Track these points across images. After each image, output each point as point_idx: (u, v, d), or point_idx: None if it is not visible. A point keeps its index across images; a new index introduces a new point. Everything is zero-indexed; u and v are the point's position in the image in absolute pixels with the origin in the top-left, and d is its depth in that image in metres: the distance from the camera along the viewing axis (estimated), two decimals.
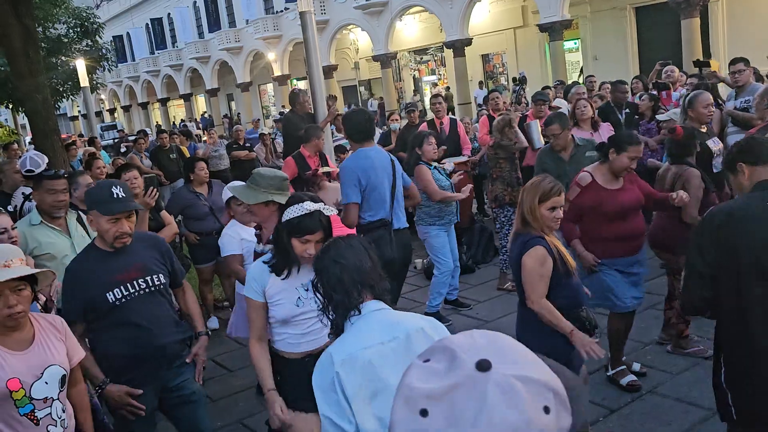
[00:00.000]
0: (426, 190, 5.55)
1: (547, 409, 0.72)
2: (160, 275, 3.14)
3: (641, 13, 22.51)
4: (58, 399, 2.52)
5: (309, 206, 2.78)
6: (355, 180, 4.53)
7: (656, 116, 7.25)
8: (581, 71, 23.00)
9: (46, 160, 5.82)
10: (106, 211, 2.95)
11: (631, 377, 4.36)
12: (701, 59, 8.75)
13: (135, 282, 3.04)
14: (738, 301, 2.57)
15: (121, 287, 3.00)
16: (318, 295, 2.17)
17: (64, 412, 2.55)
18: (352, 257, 2.13)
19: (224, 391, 5.17)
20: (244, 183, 3.63)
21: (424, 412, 0.72)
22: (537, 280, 3.16)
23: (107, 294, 2.97)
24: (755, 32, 18.61)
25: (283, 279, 2.85)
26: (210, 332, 6.29)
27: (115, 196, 2.98)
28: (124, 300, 3.00)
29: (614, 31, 22.84)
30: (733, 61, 6.91)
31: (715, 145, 5.40)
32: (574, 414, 0.76)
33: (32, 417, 2.43)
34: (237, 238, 4.63)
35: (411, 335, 2.00)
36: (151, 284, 3.09)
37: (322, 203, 2.86)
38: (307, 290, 2.86)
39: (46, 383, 2.47)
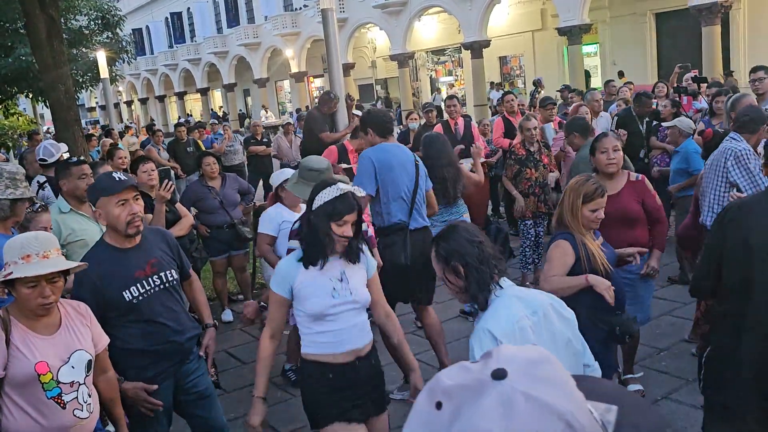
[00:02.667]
0: None
1: (559, 415, 0.69)
2: (173, 271, 3.13)
3: (661, 19, 22.37)
4: (84, 383, 2.55)
5: (343, 186, 2.76)
6: (371, 170, 4.39)
7: (662, 124, 7.19)
8: (587, 75, 22.88)
9: (63, 148, 5.88)
10: (113, 191, 2.88)
11: (639, 387, 4.34)
12: (679, 85, 8.70)
13: (150, 279, 3.01)
14: (746, 290, 2.59)
15: (137, 285, 2.96)
16: (448, 278, 2.24)
17: (89, 396, 2.58)
18: (482, 236, 2.26)
19: (238, 383, 5.21)
20: (293, 173, 3.79)
21: (438, 405, 0.74)
22: (553, 265, 3.22)
23: (124, 293, 2.93)
24: None
25: (320, 270, 2.78)
26: (222, 324, 6.39)
27: (117, 179, 2.95)
28: (141, 298, 2.96)
29: (634, 37, 22.71)
30: (754, 69, 6.87)
31: None
32: None
33: (59, 400, 2.46)
34: (277, 219, 4.66)
35: (546, 309, 2.15)
36: (165, 280, 3.06)
37: (352, 185, 2.86)
38: (341, 281, 2.82)
39: (73, 367, 2.51)
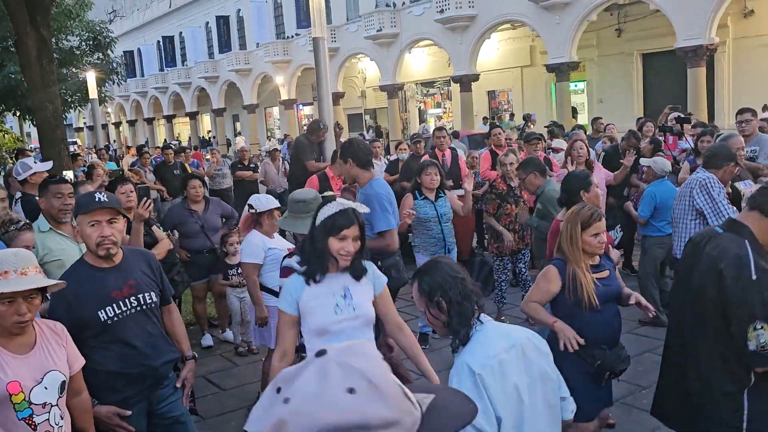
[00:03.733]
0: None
1: (351, 390, 0.87)
2: (152, 293, 3.08)
3: (648, 60, 22.79)
4: (56, 405, 2.48)
5: (343, 202, 2.86)
6: (387, 205, 4.47)
7: (639, 161, 7.27)
8: (574, 111, 23.23)
9: (46, 166, 5.79)
10: (86, 209, 2.89)
11: None
12: (665, 124, 8.86)
13: (127, 300, 2.96)
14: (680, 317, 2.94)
15: (114, 305, 2.92)
16: (431, 312, 2.26)
17: (62, 419, 2.51)
18: (463, 271, 2.30)
19: (215, 410, 5.11)
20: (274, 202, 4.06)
21: (278, 390, 0.90)
22: (536, 291, 3.32)
23: (99, 312, 2.88)
24: (760, 84, 18.84)
25: (319, 284, 2.84)
26: (201, 349, 6.30)
27: (96, 199, 2.94)
28: (116, 318, 2.92)
29: (620, 76, 23.10)
30: (740, 111, 6.98)
31: (746, 187, 5.42)
32: (401, 413, 0.89)
33: (30, 422, 2.39)
34: (261, 246, 4.65)
35: (524, 343, 2.18)
36: (143, 302, 3.02)
37: (354, 203, 2.93)
38: (344, 297, 2.87)
39: (46, 388, 2.44)
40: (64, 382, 2.53)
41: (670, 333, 3.09)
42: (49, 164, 5.85)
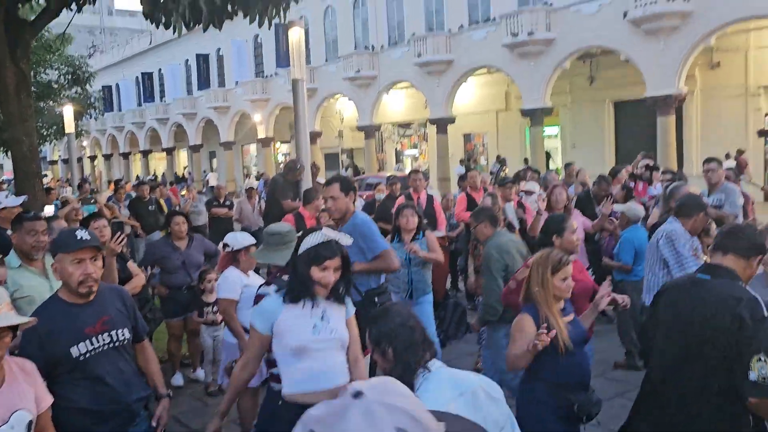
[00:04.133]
0: None
1: (400, 430, 0.91)
2: (125, 330, 3.06)
3: (619, 107, 23.38)
4: None
5: (327, 232, 2.94)
6: (378, 230, 4.55)
7: (613, 207, 7.42)
8: (548, 156, 23.71)
9: (17, 201, 5.72)
10: (69, 248, 2.88)
11: None
12: (635, 172, 9.18)
13: (100, 336, 2.94)
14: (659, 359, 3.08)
15: (87, 342, 2.90)
16: (378, 358, 2.29)
17: None
18: (414, 320, 2.32)
19: None
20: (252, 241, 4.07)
21: None
22: (515, 344, 3.26)
23: (71, 348, 2.86)
24: (726, 133, 19.45)
25: (297, 305, 2.90)
26: (171, 387, 6.19)
27: (78, 237, 2.93)
28: (88, 355, 2.90)
29: (593, 122, 23.64)
30: (707, 161, 7.20)
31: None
32: None
33: None
34: (239, 283, 4.68)
35: (476, 391, 2.14)
36: (115, 339, 3.00)
37: (338, 234, 3.00)
38: (322, 319, 2.93)
39: (12, 428, 2.39)
40: (31, 421, 2.48)
41: (655, 383, 3.12)
42: (20, 200, 5.79)
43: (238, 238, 4.94)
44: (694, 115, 20.87)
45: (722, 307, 2.81)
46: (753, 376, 2.65)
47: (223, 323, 5.98)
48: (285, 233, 3.82)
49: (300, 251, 2.91)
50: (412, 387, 2.18)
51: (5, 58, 7.20)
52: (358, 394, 0.94)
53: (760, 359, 2.65)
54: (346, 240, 2.98)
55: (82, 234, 2.96)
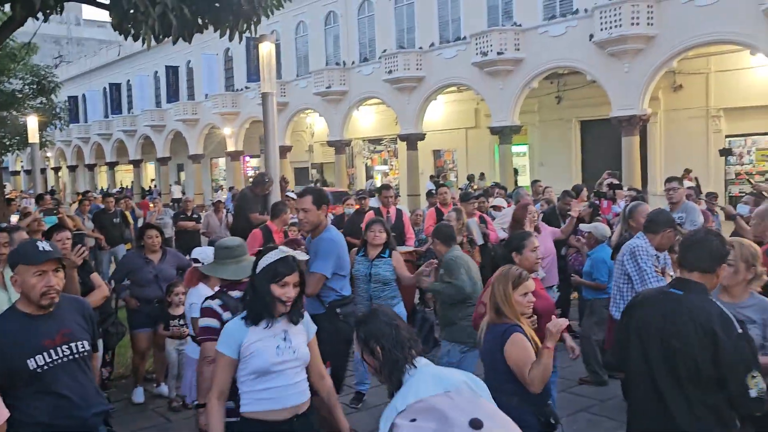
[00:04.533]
0: None
1: None
2: (85, 342, 3.02)
3: (586, 126, 23.80)
4: None
5: (284, 249, 3.00)
6: (336, 255, 4.56)
7: (580, 226, 7.55)
8: (516, 173, 24.01)
9: None
10: (33, 260, 2.85)
11: None
12: (599, 190, 9.41)
13: (59, 348, 2.90)
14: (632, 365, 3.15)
15: (44, 354, 2.84)
16: (367, 358, 2.33)
17: None
18: (399, 320, 2.38)
19: None
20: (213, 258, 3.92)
21: None
22: (526, 364, 3.27)
23: (28, 360, 2.80)
24: (688, 152, 19.94)
25: (260, 327, 2.92)
26: (132, 405, 6.05)
27: (41, 249, 2.91)
28: (46, 367, 2.84)
29: (560, 141, 24.01)
30: (668, 180, 7.36)
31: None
32: None
33: None
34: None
35: (460, 388, 2.13)
36: (75, 351, 2.96)
37: (295, 251, 3.05)
38: (284, 339, 2.97)
39: None
40: None
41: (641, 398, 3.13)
42: None
43: (208, 254, 4.90)
44: (658, 135, 21.35)
45: (699, 325, 2.86)
46: (753, 393, 2.77)
47: (189, 338, 5.91)
48: (234, 247, 3.84)
49: (258, 270, 2.96)
50: (400, 384, 2.24)
51: None
52: (477, 425, 0.92)
53: (753, 376, 2.77)
54: (302, 256, 3.05)
55: (44, 246, 2.93)
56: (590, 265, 6.62)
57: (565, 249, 7.91)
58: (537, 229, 6.86)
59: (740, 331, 2.84)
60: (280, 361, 2.92)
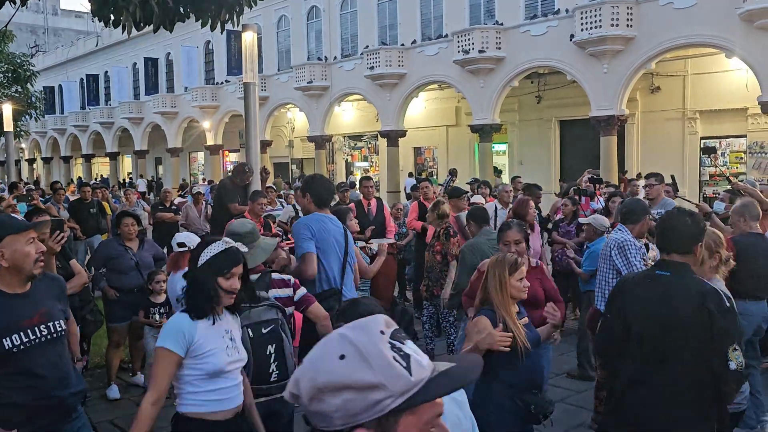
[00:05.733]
0: None
1: (342, 357, 1.05)
2: (61, 321, 2.99)
3: (564, 126, 24.00)
4: None
5: (227, 240, 2.91)
6: (308, 232, 4.46)
7: (578, 219, 7.63)
8: (497, 171, 24.09)
9: None
10: (23, 227, 2.84)
11: None
12: (595, 176, 9.51)
13: (37, 328, 2.86)
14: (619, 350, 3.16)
15: (21, 333, 2.80)
16: None
17: None
18: (381, 310, 2.29)
19: None
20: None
21: (342, 357, 1.05)
22: (468, 341, 3.30)
23: (4, 339, 2.76)
24: (664, 152, 20.19)
25: (212, 326, 2.81)
26: (109, 402, 5.94)
27: (19, 218, 2.99)
28: (22, 347, 2.80)
29: (539, 139, 24.18)
30: (647, 176, 7.46)
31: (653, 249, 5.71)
32: (386, 378, 1.03)
33: None
34: None
35: None
36: (52, 330, 2.92)
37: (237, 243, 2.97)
38: (231, 339, 2.87)
39: None
40: None
41: (632, 382, 3.10)
42: None
43: (194, 239, 4.86)
44: (635, 135, 21.60)
45: (690, 303, 2.91)
46: (733, 365, 2.81)
47: None
48: (245, 234, 3.67)
49: (200, 262, 2.82)
50: None
51: None
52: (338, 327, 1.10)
53: (735, 349, 2.82)
54: (243, 248, 2.97)
55: (20, 216, 2.92)
56: (589, 257, 6.58)
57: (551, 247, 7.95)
58: (531, 227, 6.90)
59: (728, 305, 2.91)
60: (230, 361, 2.83)
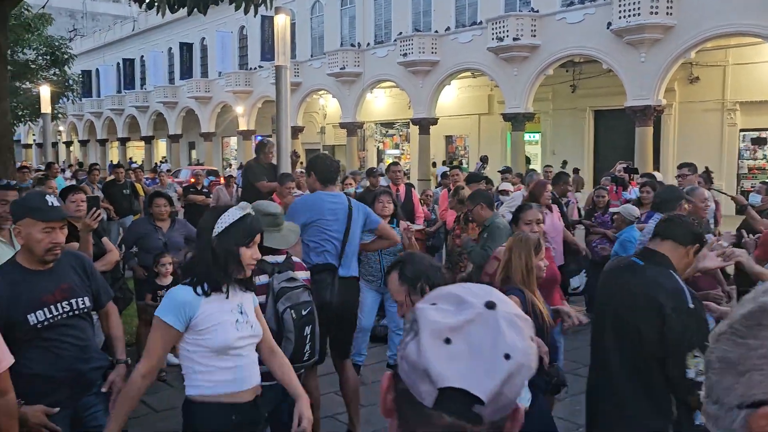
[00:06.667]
0: None
1: (532, 338, 0.96)
2: (85, 299, 3.01)
3: (599, 116, 23.62)
4: None
5: (245, 206, 2.67)
6: (300, 208, 4.52)
7: (609, 209, 7.52)
8: (527, 161, 23.75)
9: None
10: (43, 217, 2.80)
11: None
12: (631, 166, 9.35)
13: (59, 304, 2.89)
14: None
15: (45, 309, 2.84)
16: (412, 299, 2.27)
17: None
18: (436, 261, 2.37)
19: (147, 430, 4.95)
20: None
21: (447, 341, 0.90)
22: None
23: (28, 315, 2.80)
24: (702, 144, 19.76)
25: (214, 299, 2.58)
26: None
27: (49, 204, 2.86)
28: (46, 323, 2.85)
29: (573, 130, 23.85)
30: (680, 166, 7.29)
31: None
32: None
33: None
34: None
35: None
36: (75, 307, 2.95)
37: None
38: (241, 313, 2.67)
39: None
40: None
41: (593, 372, 3.08)
42: None
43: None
44: (672, 127, 21.17)
45: (646, 296, 2.72)
46: (691, 373, 2.58)
47: None
48: (278, 214, 3.56)
49: (216, 231, 2.57)
50: None
51: None
52: (492, 305, 0.93)
53: (695, 356, 2.57)
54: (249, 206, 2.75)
55: (52, 201, 2.90)
56: (620, 246, 6.54)
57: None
58: (549, 208, 6.84)
59: (692, 306, 2.66)
60: (239, 336, 2.62)
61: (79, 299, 2.98)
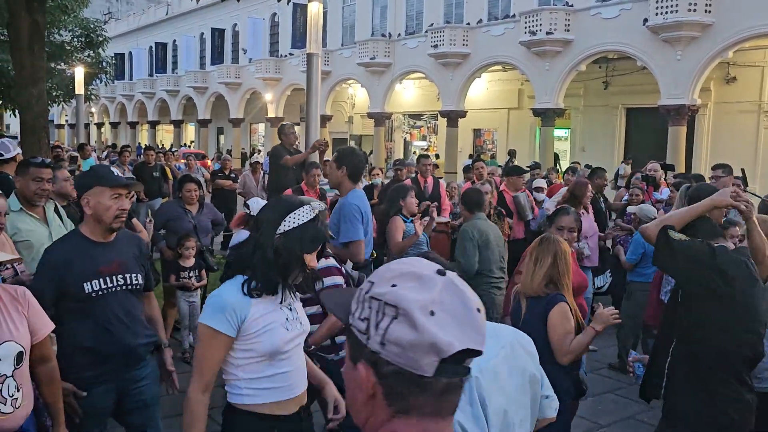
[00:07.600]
0: (390, 240, 5.68)
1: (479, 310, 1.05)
2: (139, 275, 3.10)
3: (631, 114, 23.28)
4: (11, 377, 2.40)
5: (316, 205, 2.41)
6: (359, 216, 4.45)
7: (627, 209, 7.40)
8: (556, 157, 23.40)
9: (14, 150, 5.68)
10: (111, 183, 2.93)
11: None
12: (667, 163, 9.17)
13: (114, 277, 2.98)
14: None
15: (100, 280, 2.93)
16: None
17: (18, 390, 2.42)
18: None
19: (172, 411, 5.00)
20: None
21: (432, 313, 0.98)
22: (563, 337, 3.27)
23: (84, 284, 2.89)
24: (736, 145, 19.35)
25: (263, 298, 2.36)
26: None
27: (115, 174, 3.03)
28: (101, 293, 2.93)
29: (604, 127, 23.53)
30: (714, 167, 7.13)
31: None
32: None
33: None
34: None
35: (513, 343, 2.03)
36: (129, 282, 3.04)
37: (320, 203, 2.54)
38: (290, 309, 2.47)
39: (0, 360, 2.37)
40: (21, 353, 2.45)
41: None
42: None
43: (260, 204, 4.94)
44: (706, 127, 20.77)
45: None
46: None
47: (198, 290, 6.03)
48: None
49: (284, 227, 2.32)
50: None
51: (21, 8, 7.17)
52: (442, 272, 1.00)
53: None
54: (321, 206, 2.50)
55: (116, 171, 3.06)
56: (632, 246, 6.47)
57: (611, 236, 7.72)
58: (586, 209, 6.74)
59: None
60: (290, 337, 2.39)
61: (134, 275, 3.06)
